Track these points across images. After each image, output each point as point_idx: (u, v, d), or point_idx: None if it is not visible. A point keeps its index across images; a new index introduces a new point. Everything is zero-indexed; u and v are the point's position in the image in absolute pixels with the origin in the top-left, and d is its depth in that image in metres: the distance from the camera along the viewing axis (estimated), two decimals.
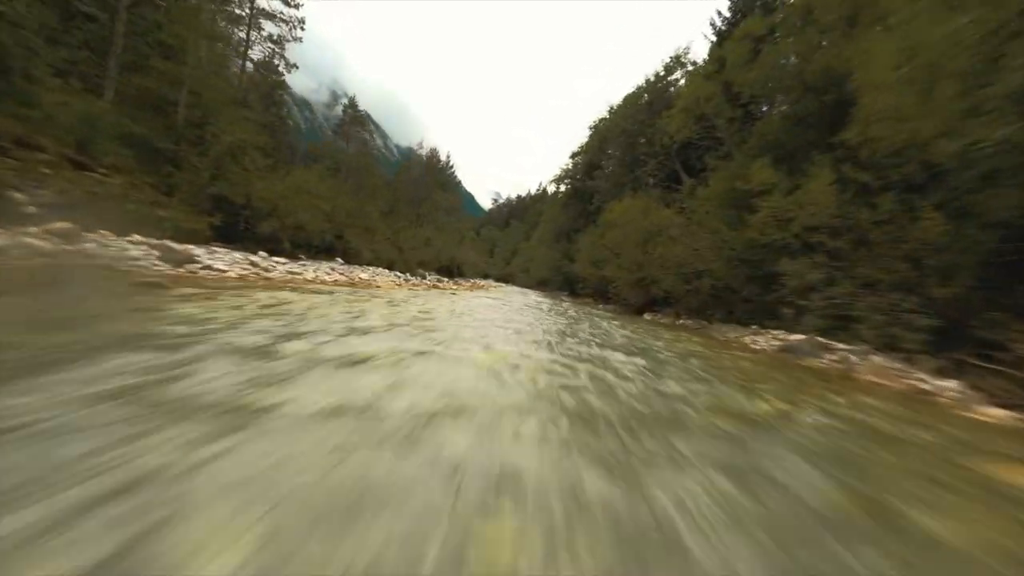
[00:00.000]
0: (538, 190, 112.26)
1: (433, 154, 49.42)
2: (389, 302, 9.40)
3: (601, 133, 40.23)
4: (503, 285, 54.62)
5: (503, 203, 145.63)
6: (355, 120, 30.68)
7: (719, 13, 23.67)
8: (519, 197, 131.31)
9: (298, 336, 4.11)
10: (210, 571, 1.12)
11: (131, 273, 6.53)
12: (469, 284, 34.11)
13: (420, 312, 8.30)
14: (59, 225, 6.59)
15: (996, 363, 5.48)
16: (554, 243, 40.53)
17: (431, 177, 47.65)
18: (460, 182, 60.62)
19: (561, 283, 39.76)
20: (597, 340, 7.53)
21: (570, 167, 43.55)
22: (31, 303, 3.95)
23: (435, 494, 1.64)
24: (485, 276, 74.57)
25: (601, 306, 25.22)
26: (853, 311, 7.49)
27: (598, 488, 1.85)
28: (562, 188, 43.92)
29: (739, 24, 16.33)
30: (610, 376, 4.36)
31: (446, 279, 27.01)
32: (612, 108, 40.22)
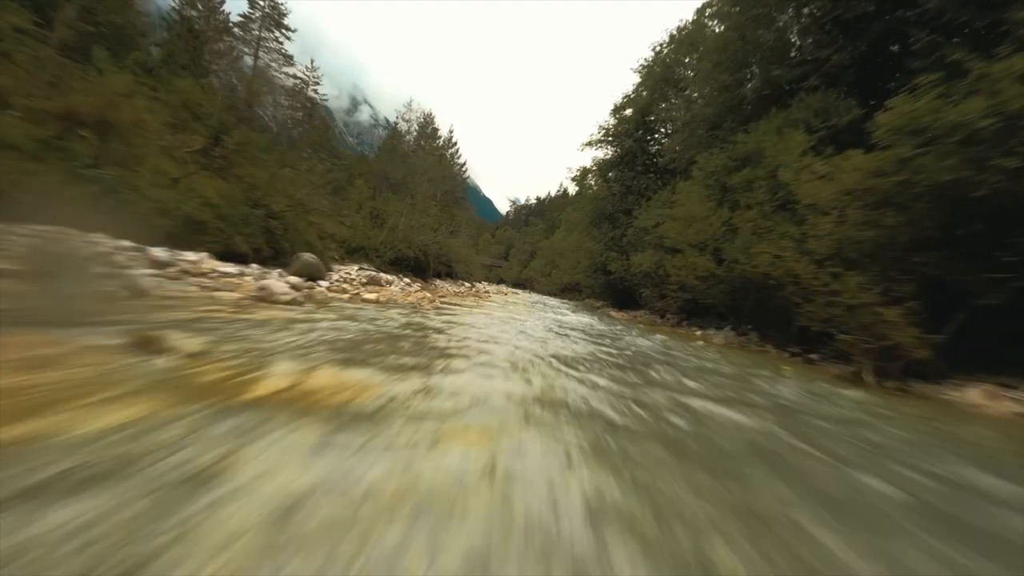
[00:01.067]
0: (559, 191, 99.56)
1: (428, 120, 37.49)
2: None
3: (655, 73, 27.40)
4: (519, 292, 41.99)
5: (521, 206, 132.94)
6: (270, 21, 18.86)
7: None
8: (539, 199, 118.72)
9: None
10: None
11: None
12: (458, 291, 21.68)
13: None
14: None
15: None
16: (592, 229, 27.52)
17: (425, 152, 35.65)
18: (465, 162, 48.48)
19: (602, 289, 26.75)
20: None
21: (611, 126, 30.56)
22: None
23: None
24: (499, 281, 62.60)
25: (699, 332, 12.39)
26: None
27: None
28: (600, 154, 30.81)
29: None
30: None
31: (393, 280, 14.63)
32: (663, 45, 27.45)
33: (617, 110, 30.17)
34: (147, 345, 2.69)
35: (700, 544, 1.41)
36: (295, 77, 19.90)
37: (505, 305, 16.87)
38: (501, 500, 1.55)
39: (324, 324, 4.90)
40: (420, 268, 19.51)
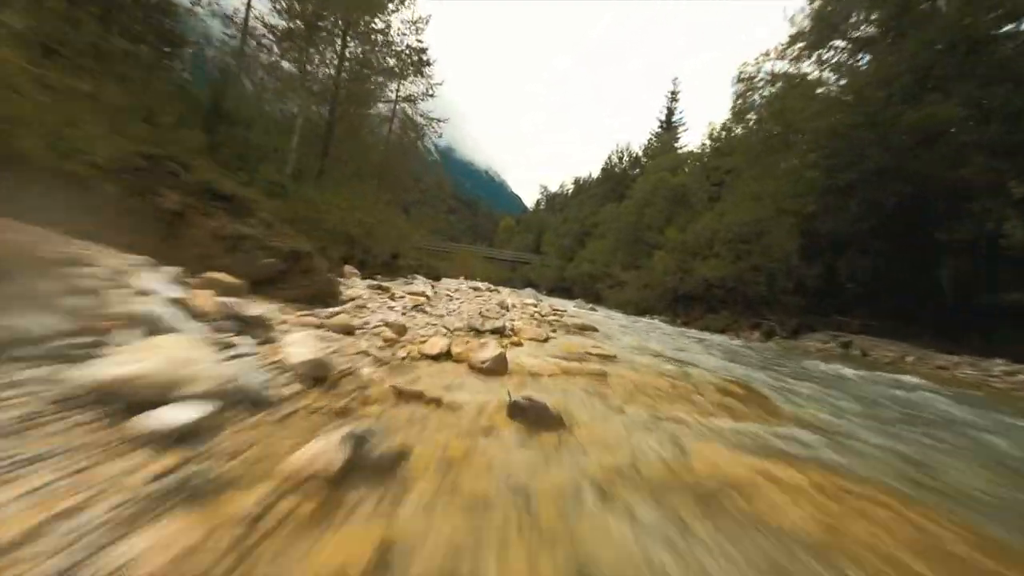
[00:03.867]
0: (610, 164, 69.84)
1: None
2: None
3: None
4: (563, 310, 13.60)
5: (554, 193, 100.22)
6: None
7: None
8: (578, 181, 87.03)
9: None
10: None
11: None
12: None
13: None
14: None
15: None
16: None
17: None
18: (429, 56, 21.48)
19: None
20: None
21: None
22: None
23: None
24: (528, 284, 36.08)
25: None
26: None
27: None
28: None
29: None
30: None
31: None
32: None
33: None
34: None
35: None
36: None
37: None
38: None
39: None
40: None
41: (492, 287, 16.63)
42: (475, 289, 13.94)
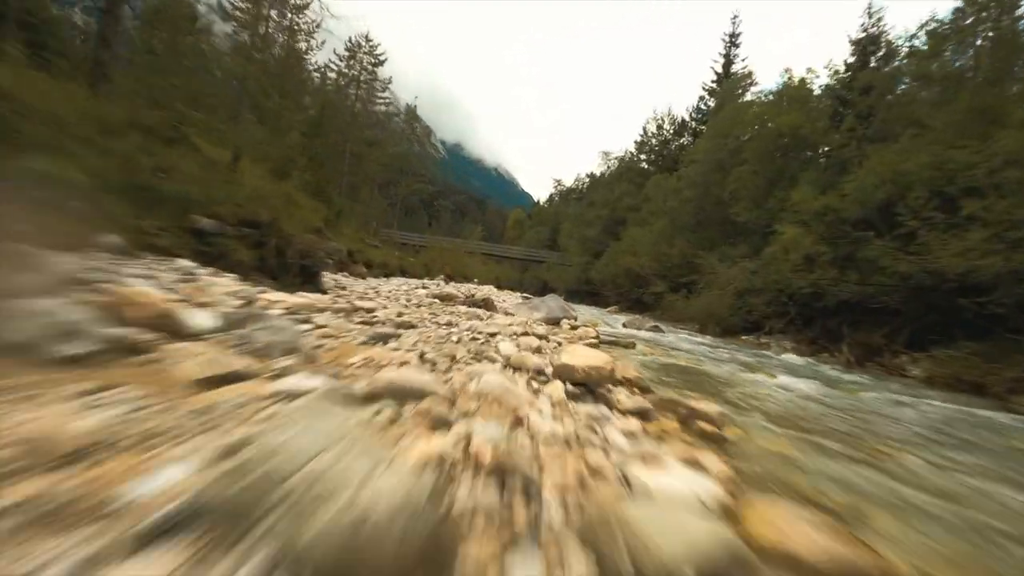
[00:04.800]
0: (646, 134, 60.59)
1: None
2: None
3: None
4: (644, 352, 6.62)
5: (570, 189, 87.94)
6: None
7: None
8: (605, 166, 76.62)
9: None
10: None
11: None
12: None
13: None
14: None
15: None
16: None
17: None
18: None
19: None
20: None
21: None
22: None
23: None
24: (543, 288, 28.54)
25: None
26: None
27: None
28: None
29: None
30: None
31: None
32: None
33: None
34: None
35: None
36: None
37: None
38: None
39: None
40: None
41: (489, 296, 9.12)
42: (430, 305, 6.38)
